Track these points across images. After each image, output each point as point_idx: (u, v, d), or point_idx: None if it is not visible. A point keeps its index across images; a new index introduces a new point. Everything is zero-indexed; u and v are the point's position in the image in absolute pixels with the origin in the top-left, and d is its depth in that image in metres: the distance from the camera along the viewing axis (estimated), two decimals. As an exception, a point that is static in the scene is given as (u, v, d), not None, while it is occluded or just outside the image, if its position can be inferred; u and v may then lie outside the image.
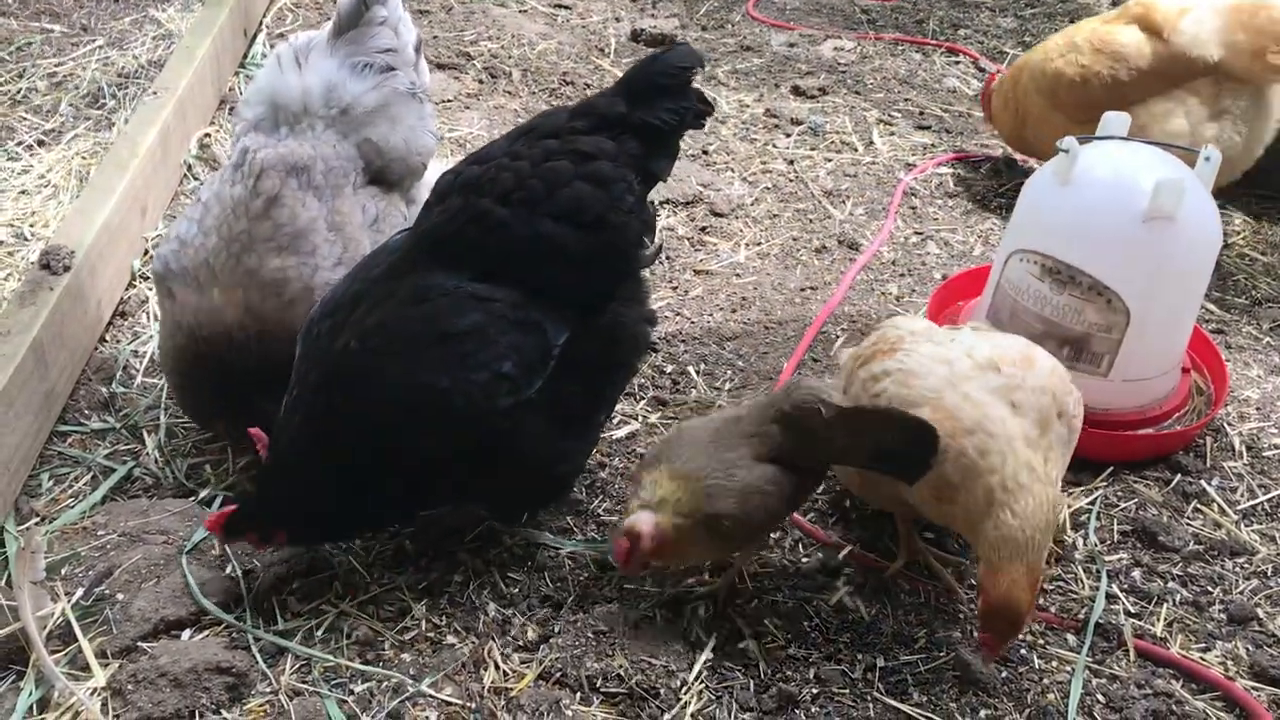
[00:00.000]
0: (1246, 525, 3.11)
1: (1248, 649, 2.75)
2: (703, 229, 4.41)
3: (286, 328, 2.86)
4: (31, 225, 4.02)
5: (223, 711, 2.47)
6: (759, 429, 2.64)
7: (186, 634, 2.64)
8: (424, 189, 3.30)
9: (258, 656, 2.59)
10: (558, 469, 2.81)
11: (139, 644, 2.59)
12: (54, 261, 3.34)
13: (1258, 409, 3.54)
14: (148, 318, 3.71)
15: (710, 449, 2.62)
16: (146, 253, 3.94)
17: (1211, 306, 4.07)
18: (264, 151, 3.05)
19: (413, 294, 2.59)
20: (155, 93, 4.40)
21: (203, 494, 3.05)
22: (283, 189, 2.99)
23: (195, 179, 4.41)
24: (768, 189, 4.69)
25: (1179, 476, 3.26)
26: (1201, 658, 2.72)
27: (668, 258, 4.19)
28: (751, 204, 4.58)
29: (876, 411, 2.61)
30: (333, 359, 2.58)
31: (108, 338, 3.63)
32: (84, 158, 4.39)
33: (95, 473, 3.13)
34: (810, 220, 4.52)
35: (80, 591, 2.69)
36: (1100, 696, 2.63)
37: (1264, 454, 3.36)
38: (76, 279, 3.37)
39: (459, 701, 2.51)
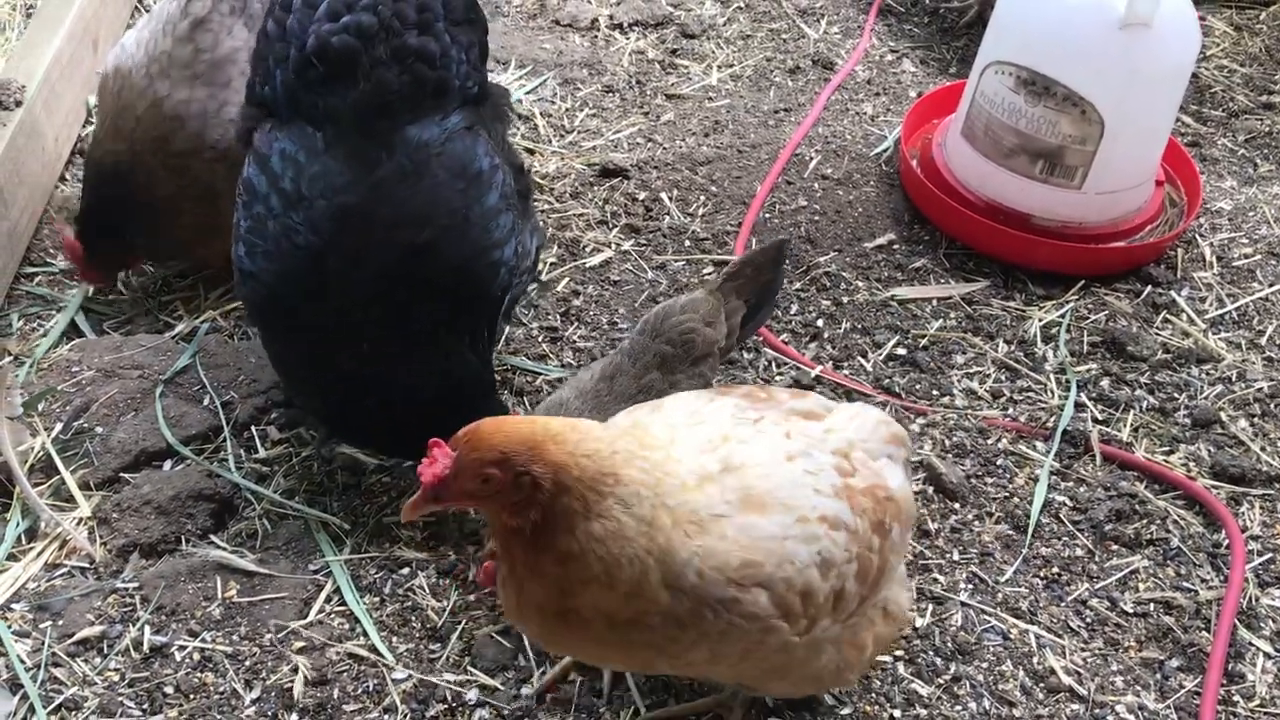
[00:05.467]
0: (1214, 333, 3.15)
1: (1209, 450, 2.82)
2: (673, 51, 4.29)
3: (156, 169, 2.89)
4: (-21, 62, 3.88)
5: (210, 536, 2.52)
6: (641, 382, 2.50)
7: (168, 464, 2.67)
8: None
9: (241, 484, 2.63)
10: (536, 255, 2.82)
11: (121, 475, 2.63)
12: (5, 96, 3.23)
13: (1230, 220, 3.54)
14: (108, 155, 3.62)
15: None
16: (101, 88, 3.82)
17: (1188, 119, 4.03)
18: None
19: (419, 161, 2.41)
20: (98, -82, 4.18)
21: (176, 329, 3.05)
22: (212, 12, 2.89)
23: (146, 10, 4.25)
24: (740, 8, 4.55)
25: (1149, 288, 3.28)
26: (1165, 460, 2.79)
27: (638, 82, 4.09)
28: (724, 24, 4.46)
29: (742, 265, 2.67)
30: (398, 271, 2.37)
31: (68, 176, 3.55)
32: (28, -9, 4.21)
33: (66, 310, 3.10)
34: (784, 40, 4.41)
35: (59, 426, 2.70)
36: (1067, 499, 2.70)
37: (1234, 264, 3.37)
38: (30, 114, 3.27)
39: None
